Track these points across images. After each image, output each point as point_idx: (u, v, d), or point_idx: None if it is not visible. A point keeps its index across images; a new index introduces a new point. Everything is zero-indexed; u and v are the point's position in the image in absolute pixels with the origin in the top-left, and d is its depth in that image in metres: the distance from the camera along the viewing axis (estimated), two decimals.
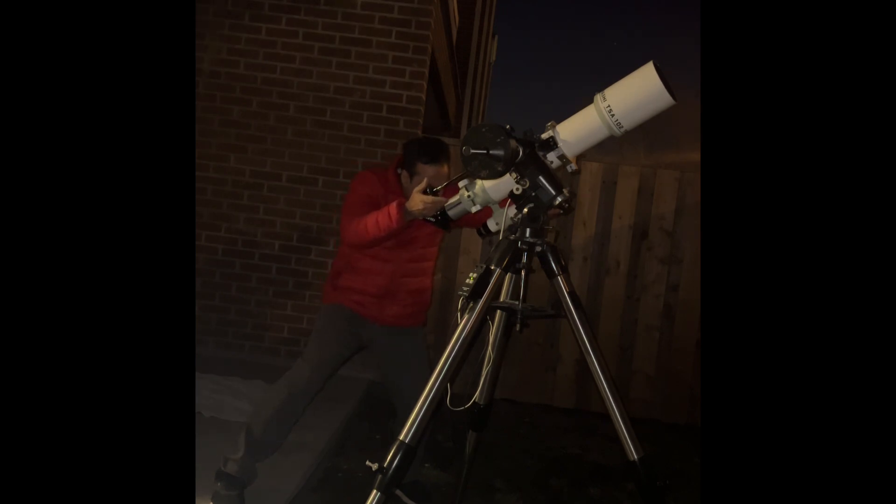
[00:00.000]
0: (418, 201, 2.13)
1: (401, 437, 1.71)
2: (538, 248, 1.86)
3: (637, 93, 1.77)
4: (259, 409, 2.43)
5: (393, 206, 2.21)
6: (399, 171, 2.49)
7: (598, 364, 1.79)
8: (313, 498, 2.67)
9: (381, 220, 2.24)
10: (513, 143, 1.77)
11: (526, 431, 3.80)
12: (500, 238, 1.91)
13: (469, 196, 2.01)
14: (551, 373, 4.31)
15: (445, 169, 2.44)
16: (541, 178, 1.81)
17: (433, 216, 2.14)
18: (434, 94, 6.84)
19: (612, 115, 1.77)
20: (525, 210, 1.83)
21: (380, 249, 2.45)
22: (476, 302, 1.79)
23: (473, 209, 2.03)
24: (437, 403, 1.76)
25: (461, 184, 2.04)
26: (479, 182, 1.98)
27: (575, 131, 1.86)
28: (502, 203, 1.98)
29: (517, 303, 1.87)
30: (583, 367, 4.17)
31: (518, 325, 1.87)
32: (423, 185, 2.15)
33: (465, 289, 1.80)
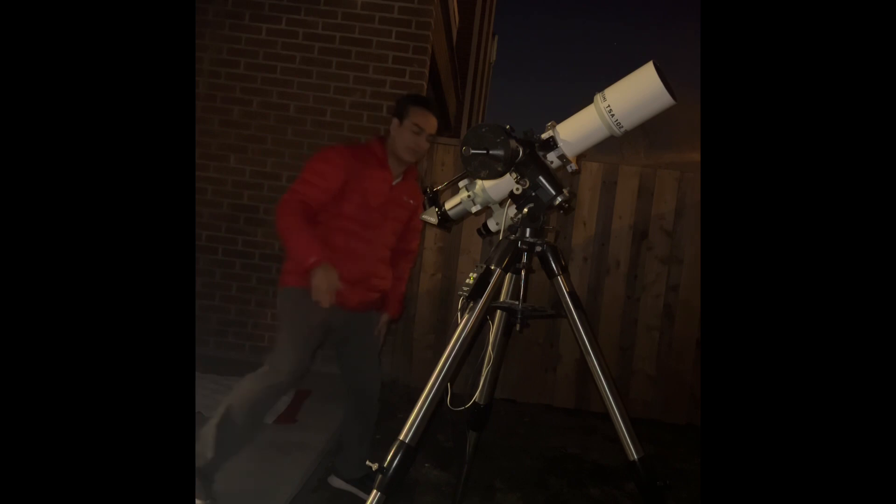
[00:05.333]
0: (322, 284, 2.21)
1: (401, 437, 1.71)
2: (538, 248, 1.86)
3: (637, 93, 1.77)
4: (233, 406, 2.27)
5: (312, 261, 2.23)
6: (392, 123, 2.47)
7: (598, 364, 1.79)
8: (313, 498, 2.67)
9: (301, 251, 2.26)
10: (513, 143, 1.77)
11: (526, 431, 3.80)
12: (500, 238, 1.91)
13: (469, 196, 2.01)
14: (551, 373, 4.31)
15: (433, 120, 2.45)
16: (541, 178, 1.81)
17: (434, 217, 2.13)
18: (434, 94, 6.85)
19: (612, 115, 1.77)
20: (525, 210, 1.83)
21: (357, 227, 2.43)
22: (476, 302, 1.79)
23: (474, 209, 2.03)
24: (437, 403, 1.77)
25: (461, 184, 2.04)
26: (479, 182, 1.98)
27: (575, 131, 1.85)
28: (502, 203, 1.98)
29: (517, 303, 1.87)
30: (583, 367, 4.17)
31: (518, 325, 1.87)
32: (322, 281, 2.21)
33: (465, 289, 1.80)
